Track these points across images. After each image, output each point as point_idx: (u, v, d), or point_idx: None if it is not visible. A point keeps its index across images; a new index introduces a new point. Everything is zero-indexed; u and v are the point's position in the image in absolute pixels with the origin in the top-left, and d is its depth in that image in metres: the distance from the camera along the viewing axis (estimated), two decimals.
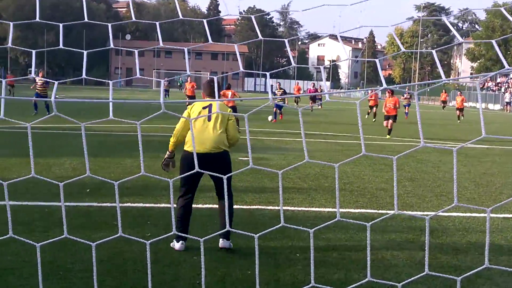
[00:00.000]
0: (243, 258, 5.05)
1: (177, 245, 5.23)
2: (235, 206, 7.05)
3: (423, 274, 2.31)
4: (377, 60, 2.62)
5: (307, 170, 10.28)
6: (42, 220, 6.05)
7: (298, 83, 46.84)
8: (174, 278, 4.49)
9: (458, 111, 30.98)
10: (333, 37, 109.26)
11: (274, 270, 4.81)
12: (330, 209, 7.25)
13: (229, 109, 5.61)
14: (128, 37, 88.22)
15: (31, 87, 23.55)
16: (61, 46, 2.37)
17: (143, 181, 8.32)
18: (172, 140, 5.37)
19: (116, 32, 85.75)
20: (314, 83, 48.26)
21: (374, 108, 27.01)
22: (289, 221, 6.40)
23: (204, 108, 5.32)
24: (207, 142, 5.16)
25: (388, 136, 18.30)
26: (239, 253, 5.23)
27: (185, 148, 5.28)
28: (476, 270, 2.42)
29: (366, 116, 27.91)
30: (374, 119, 26.20)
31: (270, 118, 22.44)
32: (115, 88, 73.16)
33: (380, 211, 7.30)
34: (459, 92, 34.12)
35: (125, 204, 6.91)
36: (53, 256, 4.82)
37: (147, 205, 6.99)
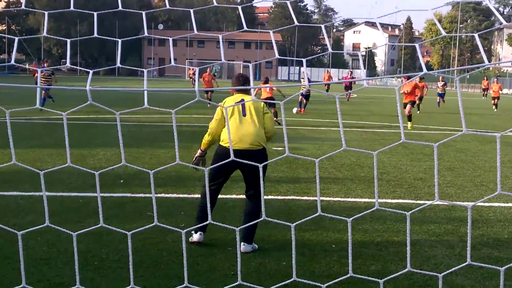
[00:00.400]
0: (278, 249, 5.00)
1: (195, 236, 5.03)
2: (270, 197, 7.02)
3: (464, 264, 2.21)
4: (417, 45, 2.51)
5: (343, 160, 10.14)
6: (76, 211, 6.09)
7: (328, 70, 45.95)
8: (208, 269, 4.47)
9: (494, 99, 28.97)
10: (369, 24, 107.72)
11: (310, 261, 4.74)
12: (367, 200, 7.13)
13: (262, 103, 5.30)
14: (160, 27, 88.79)
15: (34, 77, 20.93)
16: (95, 34, 2.34)
17: (177, 171, 8.35)
18: (207, 138, 5.12)
19: (149, 22, 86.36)
20: (351, 71, 47.15)
21: (418, 100, 26.00)
22: (324, 211, 6.30)
23: (236, 103, 5.03)
24: (247, 138, 4.89)
25: (409, 124, 17.16)
26: (274, 244, 5.18)
27: (221, 143, 5.01)
28: None
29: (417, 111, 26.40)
30: (418, 111, 24.62)
31: (295, 110, 20.91)
32: (148, 79, 73.80)
33: (418, 202, 7.13)
34: (495, 79, 31.73)
35: (159, 195, 6.93)
36: (88, 246, 4.85)
37: (181, 195, 7.00)
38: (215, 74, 77.14)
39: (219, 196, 6.81)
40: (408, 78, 18.35)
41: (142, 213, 6.07)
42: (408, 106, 17.29)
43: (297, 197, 7.13)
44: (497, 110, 28.32)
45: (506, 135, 15.69)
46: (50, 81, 19.45)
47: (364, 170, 9.24)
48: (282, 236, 5.39)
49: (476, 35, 2.25)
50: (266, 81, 18.11)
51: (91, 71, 2.24)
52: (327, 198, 7.15)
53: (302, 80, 20.55)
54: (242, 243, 4.89)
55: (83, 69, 2.14)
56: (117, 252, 4.74)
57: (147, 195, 6.85)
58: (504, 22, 2.41)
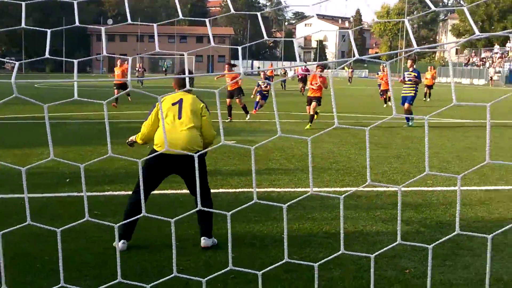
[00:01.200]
0: (227, 242, 4.97)
1: (119, 244, 4.66)
2: (221, 190, 7.00)
3: (395, 243, 2.26)
4: (349, 31, 2.55)
5: (294, 151, 10.22)
6: (18, 213, 5.77)
7: (271, 63, 46.20)
8: (156, 265, 4.41)
9: (426, 88, 26.93)
10: (320, 17, 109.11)
11: (260, 252, 4.75)
12: (316, 189, 7.21)
13: (202, 104, 4.87)
14: (110, 21, 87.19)
15: None
16: (23, 25, 2.26)
17: (125, 169, 8.22)
18: (139, 141, 4.95)
19: (97, 17, 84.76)
20: (305, 64, 47.53)
21: (385, 93, 23.24)
22: (276, 203, 6.33)
23: (173, 104, 4.73)
24: (179, 143, 4.59)
25: (308, 126, 14.30)
26: (224, 237, 5.15)
27: (155, 147, 4.75)
28: (447, 237, 2.37)
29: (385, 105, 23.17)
30: (385, 105, 22.80)
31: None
32: (98, 74, 72.53)
33: (365, 189, 7.26)
34: (431, 67, 28.97)
35: (106, 193, 6.80)
36: (30, 249, 4.71)
37: (129, 192, 6.86)
38: (166, 69, 76.02)
39: (172, 191, 6.75)
40: (322, 68, 15.67)
41: (89, 212, 5.92)
42: (314, 104, 14.32)
43: (248, 189, 7.13)
44: (428, 99, 26.99)
45: (452, 122, 16.17)
46: None
47: (314, 160, 9.33)
48: (232, 228, 5.38)
49: (406, 20, 2.29)
50: (231, 66, 16.14)
51: (17, 63, 2.16)
52: (278, 189, 7.19)
53: (259, 82, 16.40)
54: (202, 238, 4.79)
55: (5, 60, 2.07)
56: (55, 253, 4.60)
57: (95, 193, 6.71)
58: (433, 7, 2.46)
